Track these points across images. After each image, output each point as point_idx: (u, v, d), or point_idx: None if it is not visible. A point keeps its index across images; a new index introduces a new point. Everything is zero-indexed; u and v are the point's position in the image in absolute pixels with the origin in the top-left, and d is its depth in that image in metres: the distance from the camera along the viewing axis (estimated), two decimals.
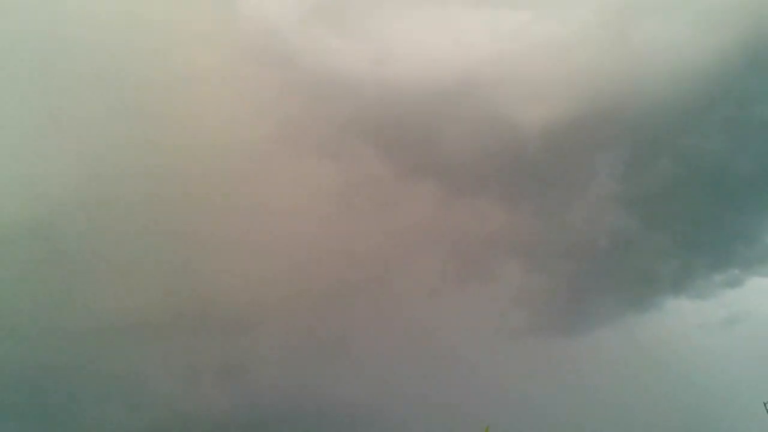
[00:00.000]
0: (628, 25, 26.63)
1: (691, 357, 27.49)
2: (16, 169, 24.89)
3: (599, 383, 26.96)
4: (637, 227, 27.99)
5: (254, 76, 26.62)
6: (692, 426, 25.84)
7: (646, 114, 26.55)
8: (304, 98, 26.83)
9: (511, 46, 26.60)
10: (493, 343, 27.90)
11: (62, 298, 24.23)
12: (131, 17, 25.64)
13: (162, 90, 25.96)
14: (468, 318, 27.86)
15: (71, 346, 23.10)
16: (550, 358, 27.55)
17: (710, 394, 26.54)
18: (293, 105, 26.82)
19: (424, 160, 29.52)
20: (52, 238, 24.67)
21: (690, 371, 27.25)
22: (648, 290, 27.92)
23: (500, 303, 27.91)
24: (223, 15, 25.86)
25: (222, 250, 26.36)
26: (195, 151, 26.39)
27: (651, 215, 27.85)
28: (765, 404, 22.78)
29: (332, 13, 26.98)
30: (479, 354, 27.22)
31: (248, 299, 25.20)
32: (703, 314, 28.49)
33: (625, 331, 27.91)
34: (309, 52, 26.30)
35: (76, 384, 22.99)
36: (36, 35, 24.41)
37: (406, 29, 27.26)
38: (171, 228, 25.95)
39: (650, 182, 27.41)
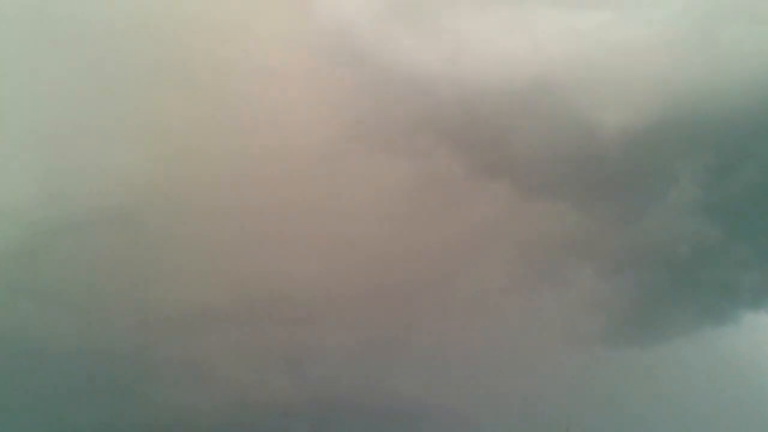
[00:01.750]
0: (716, 28, 25.74)
1: None
2: (106, 161, 25.96)
3: (674, 394, 26.25)
4: (717, 236, 27.00)
5: (327, 76, 26.91)
6: None
7: (731, 120, 25.63)
8: (376, 97, 26.93)
9: (589, 48, 26.03)
10: (561, 349, 27.47)
11: (139, 284, 25.25)
12: (203, 19, 26.25)
13: (234, 92, 26.54)
14: (535, 322, 27.53)
15: (144, 330, 24.13)
16: (621, 368, 26.96)
17: None
18: (365, 105, 26.97)
19: (497, 161, 29.19)
20: (135, 228, 25.71)
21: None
22: (727, 302, 26.92)
23: (571, 309, 27.43)
24: (296, 14, 26.17)
25: (293, 247, 26.83)
26: (267, 152, 26.88)
27: (733, 224, 26.83)
28: None
29: (406, 11, 26.95)
30: (544, 361, 26.86)
31: (316, 294, 25.64)
32: None
33: (702, 343, 26.98)
34: (382, 51, 26.33)
35: (146, 367, 24.01)
36: (113, 34, 25.33)
37: (482, 28, 26.96)
38: (246, 226, 26.62)
39: (733, 190, 26.40)
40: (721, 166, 26.70)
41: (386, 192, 28.62)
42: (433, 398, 25.61)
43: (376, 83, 27.56)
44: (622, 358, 27.36)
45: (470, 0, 28.94)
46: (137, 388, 24.10)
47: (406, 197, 29.13)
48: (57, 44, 24.91)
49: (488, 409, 26.55)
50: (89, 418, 23.43)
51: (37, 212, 23.63)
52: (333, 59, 27.25)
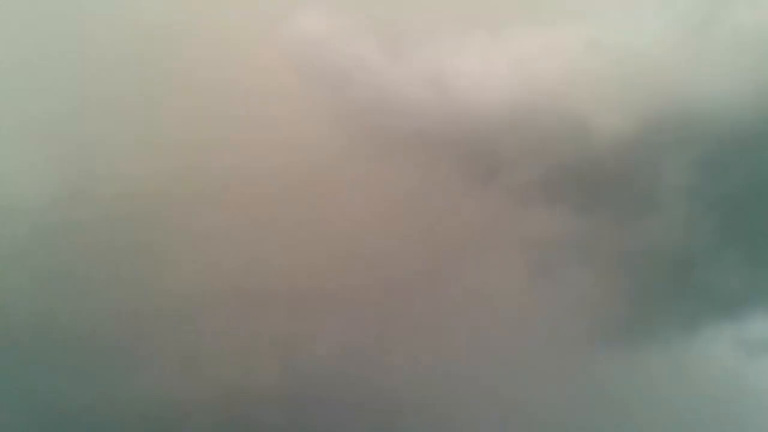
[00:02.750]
0: (702, 36, 26.38)
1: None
2: (115, 169, 26.74)
3: (661, 395, 26.40)
4: (710, 238, 27.41)
5: (310, 97, 27.74)
6: None
7: (724, 121, 26.10)
8: (362, 117, 27.77)
9: (574, 60, 26.77)
10: (553, 350, 27.67)
11: (129, 276, 25.74)
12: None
13: (224, 116, 27.20)
14: (529, 323, 27.78)
15: (133, 321, 24.58)
16: (610, 369, 27.11)
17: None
18: (353, 124, 27.77)
19: (491, 171, 29.82)
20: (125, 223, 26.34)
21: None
22: (713, 306, 27.19)
23: (564, 310, 27.68)
24: (272, 36, 27.09)
25: (290, 243, 27.42)
26: (264, 169, 27.58)
27: (725, 225, 27.23)
28: None
29: (385, 37, 27.89)
30: (536, 361, 27.03)
31: (308, 286, 26.01)
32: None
33: (668, 351, 27.22)
34: (363, 75, 27.23)
35: (134, 357, 24.44)
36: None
37: (463, 52, 27.78)
38: (242, 222, 27.24)
39: (726, 190, 26.87)
40: (713, 165, 27.12)
41: (382, 198, 29.25)
42: (421, 396, 25.79)
43: (360, 104, 28.35)
44: (611, 359, 27.53)
45: (449, 25, 29.92)
46: (124, 377, 24.51)
47: (407, 203, 29.75)
48: None
49: (477, 409, 26.74)
50: (77, 406, 23.77)
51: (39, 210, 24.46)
52: (314, 81, 28.05)
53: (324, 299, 27.46)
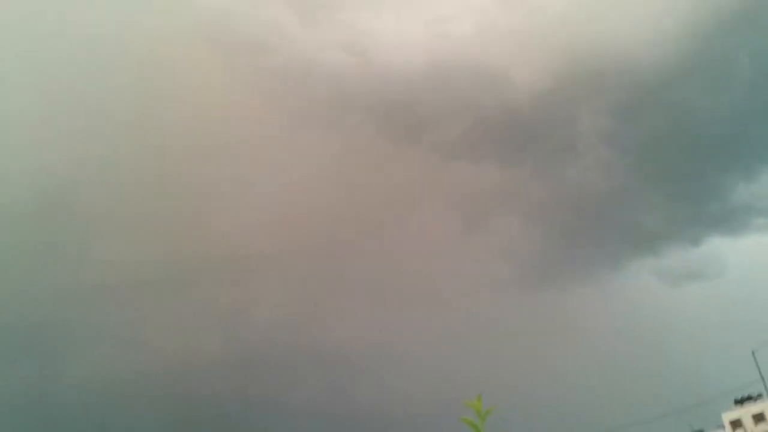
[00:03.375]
0: None
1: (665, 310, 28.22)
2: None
3: (575, 330, 27.79)
4: (624, 181, 28.72)
5: (227, 65, 27.63)
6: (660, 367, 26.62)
7: (634, 69, 27.29)
8: (280, 84, 27.83)
9: (487, 19, 27.49)
10: (480, 292, 28.77)
11: (67, 256, 25.13)
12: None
13: (139, 89, 26.63)
14: (461, 269, 28.78)
15: (70, 300, 23.99)
16: (531, 309, 28.41)
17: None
18: (271, 91, 27.85)
19: (414, 130, 30.41)
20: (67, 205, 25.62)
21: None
22: (628, 245, 28.75)
23: (490, 256, 28.81)
24: (183, 6, 26.77)
25: (227, 211, 27.33)
26: (199, 132, 27.24)
27: (637, 169, 28.57)
28: (753, 353, 23.48)
29: (299, 2, 28.01)
30: (465, 302, 28.07)
31: (246, 251, 26.14)
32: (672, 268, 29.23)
33: (597, 287, 28.76)
34: (279, 42, 27.35)
35: (72, 337, 23.86)
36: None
37: (377, 15, 28.22)
38: (177, 194, 26.90)
39: (638, 137, 28.16)
40: (625, 113, 28.29)
41: (314, 160, 29.51)
42: (363, 354, 26.32)
43: (279, 71, 28.40)
44: (544, 299, 28.83)
45: None
46: (67, 359, 23.91)
47: (335, 165, 30.09)
48: None
49: (420, 360, 27.45)
50: (19, 391, 23.12)
51: None
52: (235, 51, 27.90)
53: (261, 265, 27.67)
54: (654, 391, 27.76)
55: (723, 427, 22.62)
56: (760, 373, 23.26)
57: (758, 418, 21.86)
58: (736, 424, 22.14)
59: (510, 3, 27.96)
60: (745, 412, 22.15)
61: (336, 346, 25.73)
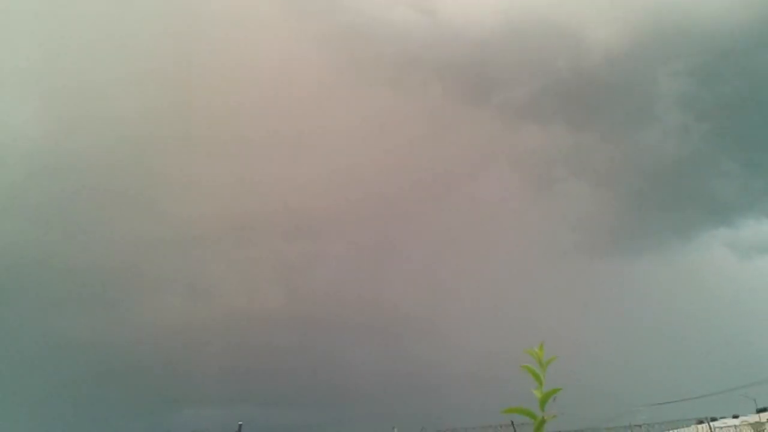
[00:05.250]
0: None
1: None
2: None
3: (644, 301, 26.98)
4: (701, 148, 27.40)
5: (295, 22, 27.34)
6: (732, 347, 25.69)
7: (713, 31, 25.69)
8: (350, 42, 27.45)
9: None
10: (547, 260, 28.18)
11: (136, 209, 25.91)
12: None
13: (207, 49, 26.78)
14: (527, 233, 28.24)
15: (138, 248, 24.87)
16: (598, 278, 27.63)
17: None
18: (341, 49, 27.51)
19: (486, 91, 29.65)
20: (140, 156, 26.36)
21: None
22: (701, 214, 27.52)
23: (559, 221, 28.12)
24: None
25: (292, 165, 27.49)
26: (270, 87, 27.32)
27: (717, 136, 27.18)
28: None
29: None
30: (531, 271, 27.57)
31: (309, 207, 26.29)
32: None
33: (668, 256, 27.64)
34: (349, 0, 26.90)
35: (138, 283, 24.77)
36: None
37: None
38: (241, 152, 27.18)
39: (716, 101, 26.71)
40: (704, 78, 26.88)
41: (379, 121, 29.23)
42: (420, 310, 26.35)
43: (352, 30, 27.96)
44: (610, 267, 28.09)
45: None
46: (134, 300, 24.86)
47: (400, 125, 29.74)
48: None
49: (479, 319, 27.30)
50: (87, 336, 24.25)
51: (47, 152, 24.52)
52: (302, 10, 27.56)
53: (323, 221, 27.78)
54: (720, 365, 27.01)
55: None
56: None
57: None
58: None
59: None
60: None
61: (398, 304, 25.91)
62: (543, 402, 1.75)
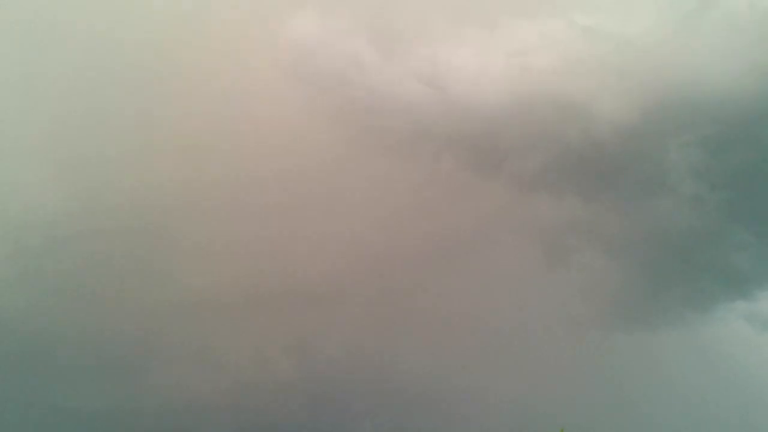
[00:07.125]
0: (698, 20, 26.37)
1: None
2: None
3: (660, 378, 26.50)
4: (713, 219, 27.30)
5: (309, 98, 28.17)
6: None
7: (724, 103, 26.06)
8: (361, 117, 28.15)
9: (571, 52, 26.82)
10: (559, 333, 27.82)
11: (153, 278, 26.31)
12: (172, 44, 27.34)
13: (222, 122, 27.57)
14: (540, 306, 28.00)
15: (150, 316, 25.15)
16: (613, 352, 27.17)
17: None
18: (351, 124, 28.22)
19: (495, 162, 30.03)
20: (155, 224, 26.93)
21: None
22: (717, 286, 27.15)
23: (570, 293, 27.83)
24: (268, 41, 27.59)
25: (303, 233, 27.81)
26: (275, 159, 27.95)
27: (729, 207, 27.10)
28: None
29: (379, 36, 28.27)
30: (542, 344, 27.20)
31: (319, 279, 26.38)
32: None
33: (686, 331, 27.17)
34: (359, 75, 27.61)
35: (150, 350, 24.97)
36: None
37: (456, 49, 28.02)
38: (256, 227, 27.63)
39: (729, 172, 26.73)
40: (715, 148, 27.00)
41: (391, 189, 29.59)
42: (432, 379, 26.08)
43: (362, 105, 28.56)
44: (628, 339, 27.67)
45: (442, 21, 29.98)
46: (144, 370, 25.01)
47: (411, 195, 30.06)
48: None
49: (494, 395, 26.93)
50: (96, 406, 24.29)
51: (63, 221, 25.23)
52: (310, 83, 28.34)
53: (333, 294, 27.82)
54: None
55: None
56: None
57: None
58: None
59: (594, 36, 27.15)
60: None
61: (406, 380, 25.67)
62: None
